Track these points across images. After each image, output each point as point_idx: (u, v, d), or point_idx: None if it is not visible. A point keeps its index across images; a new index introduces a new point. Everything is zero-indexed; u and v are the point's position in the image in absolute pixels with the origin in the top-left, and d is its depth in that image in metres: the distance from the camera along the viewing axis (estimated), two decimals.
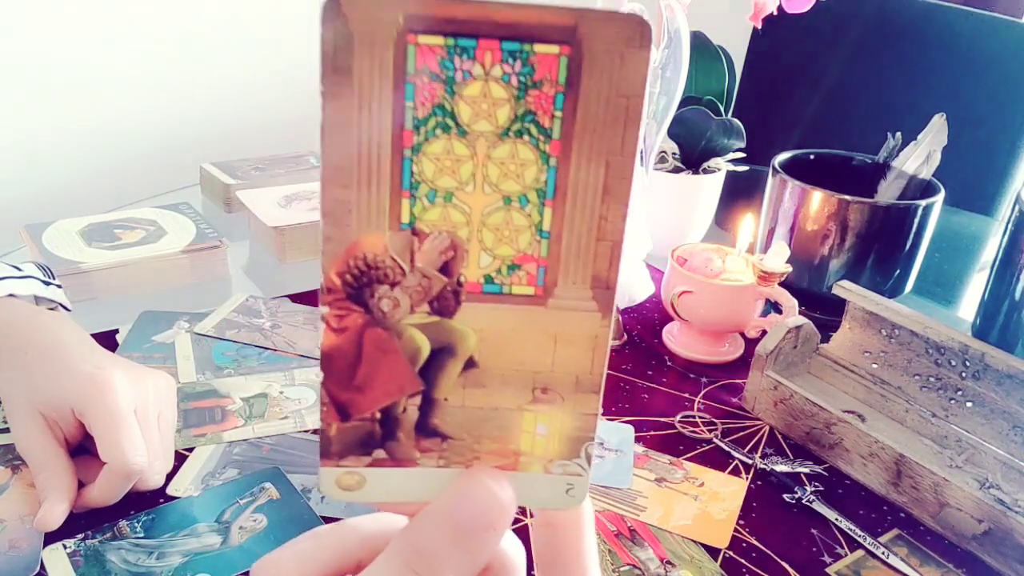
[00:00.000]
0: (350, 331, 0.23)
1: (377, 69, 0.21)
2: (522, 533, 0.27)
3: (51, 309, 0.67)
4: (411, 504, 0.24)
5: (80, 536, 0.53)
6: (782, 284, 0.74)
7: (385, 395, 0.24)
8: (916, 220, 0.80)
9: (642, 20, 0.20)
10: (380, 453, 0.24)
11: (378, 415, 0.24)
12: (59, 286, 0.70)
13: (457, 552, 0.23)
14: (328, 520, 0.55)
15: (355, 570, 0.26)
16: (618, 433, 0.67)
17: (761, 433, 0.69)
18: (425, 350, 0.23)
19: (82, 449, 0.56)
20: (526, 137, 0.22)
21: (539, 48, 0.21)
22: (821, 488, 0.62)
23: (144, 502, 0.56)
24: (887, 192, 0.87)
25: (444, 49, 0.21)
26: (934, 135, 0.83)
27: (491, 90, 0.21)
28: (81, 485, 0.54)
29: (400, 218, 0.22)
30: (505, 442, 0.24)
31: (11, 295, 0.64)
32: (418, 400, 0.24)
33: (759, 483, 0.63)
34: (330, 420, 0.24)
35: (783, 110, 1.47)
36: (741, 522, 0.59)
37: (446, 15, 0.20)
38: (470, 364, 0.24)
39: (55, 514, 0.51)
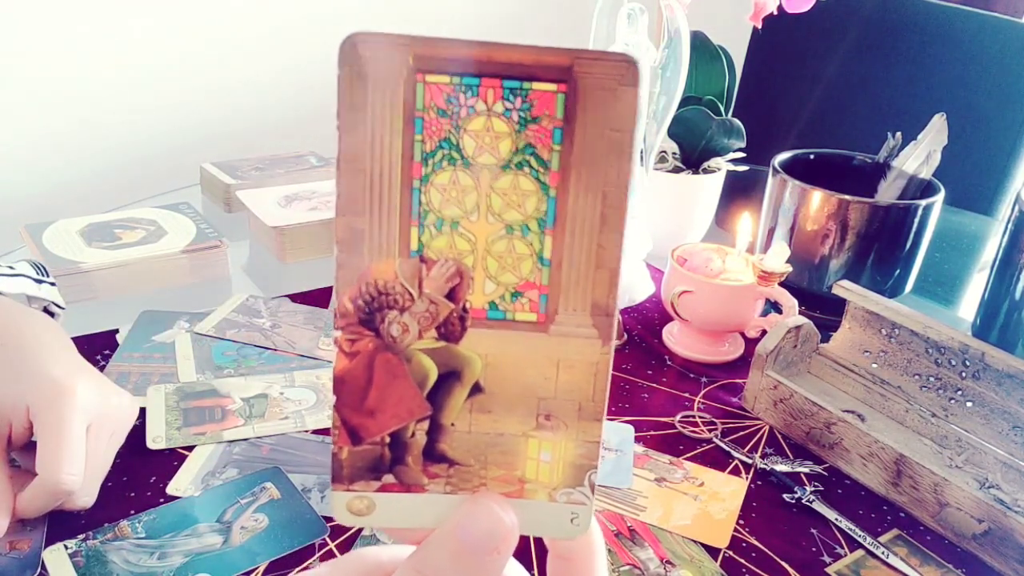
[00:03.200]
0: (362, 355, 0.24)
1: (389, 105, 0.22)
2: (525, 559, 0.27)
3: (44, 309, 0.67)
4: (420, 531, 0.25)
5: (81, 536, 0.53)
6: (782, 284, 0.74)
7: (395, 418, 0.24)
8: (916, 220, 0.80)
9: (632, 60, 0.22)
10: (389, 478, 0.25)
11: (387, 439, 0.24)
12: (53, 284, 0.70)
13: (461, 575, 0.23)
14: (328, 520, 0.56)
15: None
16: (618, 433, 0.67)
17: (761, 433, 0.69)
18: (433, 375, 0.24)
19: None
20: (527, 169, 0.23)
21: (537, 86, 0.22)
22: (821, 488, 0.63)
23: (145, 502, 0.56)
24: (887, 192, 0.87)
25: (450, 87, 0.22)
26: (934, 135, 0.83)
27: (493, 125, 0.22)
28: None
29: (409, 246, 0.23)
30: (511, 468, 0.25)
31: None
32: (426, 425, 0.24)
33: (759, 483, 0.63)
34: (342, 443, 0.24)
35: (783, 110, 1.47)
36: (741, 522, 0.59)
37: (452, 56, 0.22)
38: (476, 389, 0.24)
39: None
